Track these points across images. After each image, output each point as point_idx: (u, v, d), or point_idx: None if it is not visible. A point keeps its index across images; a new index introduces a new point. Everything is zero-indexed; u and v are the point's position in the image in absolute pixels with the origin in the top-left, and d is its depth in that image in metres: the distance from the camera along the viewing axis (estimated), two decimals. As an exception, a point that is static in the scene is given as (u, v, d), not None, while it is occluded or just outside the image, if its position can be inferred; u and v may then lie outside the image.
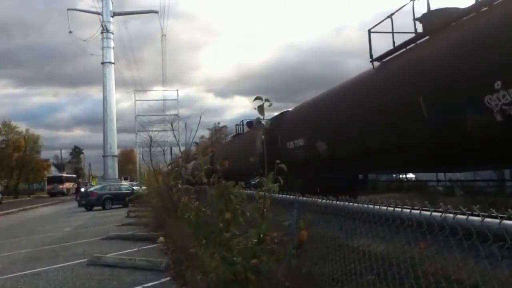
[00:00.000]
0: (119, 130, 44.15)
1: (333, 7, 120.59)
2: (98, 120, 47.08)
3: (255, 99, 3.12)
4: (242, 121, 18.80)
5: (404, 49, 6.80)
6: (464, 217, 1.85)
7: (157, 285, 5.82)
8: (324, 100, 9.86)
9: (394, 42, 7.04)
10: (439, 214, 1.99)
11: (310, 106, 10.71)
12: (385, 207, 2.42)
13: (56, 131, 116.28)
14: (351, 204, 2.85)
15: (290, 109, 13.26)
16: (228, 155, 17.33)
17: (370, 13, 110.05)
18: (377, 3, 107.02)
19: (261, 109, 3.12)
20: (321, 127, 9.26)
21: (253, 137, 14.39)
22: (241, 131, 19.15)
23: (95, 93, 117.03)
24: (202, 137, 54.73)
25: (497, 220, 1.70)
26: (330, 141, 8.81)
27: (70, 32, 40.05)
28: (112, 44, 40.55)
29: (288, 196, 3.85)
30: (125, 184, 31.21)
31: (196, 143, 37.17)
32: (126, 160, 66.25)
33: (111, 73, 40.52)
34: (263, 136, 11.59)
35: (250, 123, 17.16)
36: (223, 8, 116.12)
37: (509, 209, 1.69)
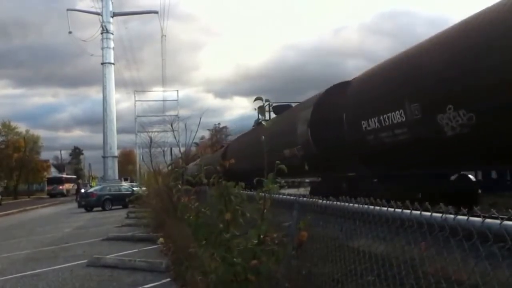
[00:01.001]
0: (119, 131, 44.12)
1: (333, 8, 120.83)
2: (98, 121, 47.13)
3: (255, 100, 3.12)
4: (269, 103, 16.99)
5: None
6: (465, 217, 1.85)
7: (157, 286, 5.81)
8: (464, 31, 5.24)
9: None
10: (440, 214, 1.99)
11: (422, 51, 6.09)
12: (385, 208, 2.41)
13: (55, 132, 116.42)
14: (351, 204, 2.84)
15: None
16: (249, 149, 14.22)
17: (370, 14, 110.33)
18: (377, 4, 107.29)
19: (261, 109, 3.12)
20: (458, 83, 5.00)
21: (290, 121, 10.68)
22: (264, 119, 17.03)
23: (95, 93, 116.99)
24: (202, 137, 54.79)
25: (498, 221, 1.70)
26: (483, 107, 4.71)
27: (70, 32, 39.99)
28: (112, 44, 40.53)
29: (288, 197, 3.85)
30: (125, 185, 31.17)
31: (196, 144, 37.16)
32: (126, 161, 66.16)
33: (111, 74, 40.50)
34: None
35: (279, 108, 14.21)
36: (223, 8, 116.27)
37: (509, 210, 1.69)
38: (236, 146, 18.64)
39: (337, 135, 8.41)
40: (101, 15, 40.09)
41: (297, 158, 9.77)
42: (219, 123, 64.83)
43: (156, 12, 42.93)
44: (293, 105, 14.05)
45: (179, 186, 4.18)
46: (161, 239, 8.94)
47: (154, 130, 20.40)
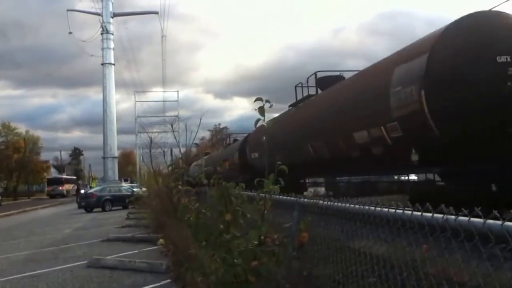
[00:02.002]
0: (119, 131, 44.10)
1: (332, 8, 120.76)
2: (98, 122, 47.20)
3: (255, 100, 3.11)
4: (315, 73, 11.18)
5: None
6: (466, 218, 1.85)
7: (157, 287, 5.80)
8: None
9: None
10: (441, 215, 1.99)
11: None
12: (386, 209, 2.41)
13: (55, 133, 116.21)
14: (352, 205, 2.84)
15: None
16: (281, 139, 10.36)
17: (369, 14, 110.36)
18: (376, 4, 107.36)
19: (261, 110, 3.11)
20: None
21: (371, 86, 6.87)
22: (305, 94, 11.44)
23: (94, 94, 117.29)
24: (202, 138, 54.79)
25: (499, 222, 1.69)
26: None
27: (70, 33, 40.04)
28: (112, 45, 40.52)
29: (289, 197, 3.84)
30: (125, 185, 31.15)
31: (197, 144, 37.12)
32: (126, 162, 66.21)
33: (111, 74, 40.49)
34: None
35: (328, 80, 10.22)
36: (222, 9, 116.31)
37: (511, 211, 1.68)
38: (260, 137, 13.97)
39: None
40: (101, 16, 40.09)
41: (384, 142, 6.45)
42: (219, 124, 64.94)
43: (156, 13, 43.00)
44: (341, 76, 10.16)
45: (179, 187, 4.18)
46: (161, 240, 8.91)
47: (154, 130, 20.38)
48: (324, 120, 8.35)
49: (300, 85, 11.96)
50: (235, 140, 21.49)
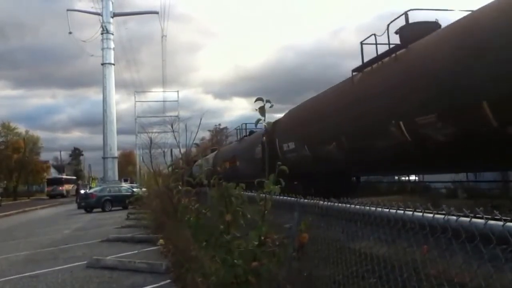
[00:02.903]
0: (119, 132, 44.18)
1: (332, 8, 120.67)
2: (97, 122, 47.34)
3: (256, 100, 3.10)
4: (406, 12, 7.42)
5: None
6: (467, 219, 1.84)
7: (157, 288, 5.79)
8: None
9: None
10: (442, 216, 1.98)
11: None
12: (387, 209, 2.40)
13: (54, 133, 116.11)
14: (352, 206, 2.83)
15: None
16: (340, 118, 7.74)
17: (369, 15, 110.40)
18: (376, 5, 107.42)
19: (262, 110, 3.10)
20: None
21: None
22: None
23: (93, 94, 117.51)
24: (202, 138, 54.77)
25: (501, 223, 1.69)
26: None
27: (70, 33, 40.12)
28: (112, 45, 40.58)
29: (289, 198, 3.83)
30: (125, 186, 31.15)
31: (197, 145, 37.08)
32: (126, 162, 66.20)
33: (111, 74, 40.56)
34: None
35: (417, 27, 7.00)
36: (222, 9, 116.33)
37: (512, 211, 1.67)
38: (296, 121, 10.08)
39: None
40: (101, 16, 40.13)
41: None
42: (219, 124, 64.88)
43: (156, 13, 43.06)
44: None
45: (179, 187, 4.17)
46: (161, 241, 8.92)
47: (154, 131, 20.34)
48: (443, 80, 4.90)
49: (372, 37, 7.64)
50: (251, 132, 17.78)
